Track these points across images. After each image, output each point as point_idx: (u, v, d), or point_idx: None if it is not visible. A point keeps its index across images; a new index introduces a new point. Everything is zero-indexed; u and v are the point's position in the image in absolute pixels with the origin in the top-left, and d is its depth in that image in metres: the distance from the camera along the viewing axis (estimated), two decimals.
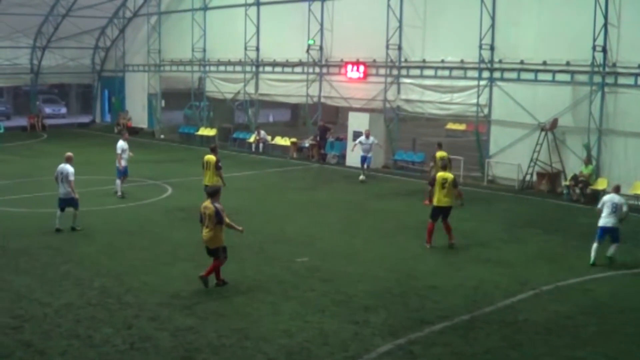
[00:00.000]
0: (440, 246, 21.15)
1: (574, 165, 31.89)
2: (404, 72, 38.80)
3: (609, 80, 30.97)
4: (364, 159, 34.37)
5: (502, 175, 34.39)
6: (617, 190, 20.71)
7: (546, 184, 32.47)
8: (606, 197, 20.45)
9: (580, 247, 21.39)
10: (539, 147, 32.58)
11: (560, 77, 32.60)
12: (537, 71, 33.29)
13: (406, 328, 14.21)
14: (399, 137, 40.26)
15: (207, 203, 16.75)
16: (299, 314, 14.97)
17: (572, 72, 32.15)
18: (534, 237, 23.08)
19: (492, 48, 34.72)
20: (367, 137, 34.59)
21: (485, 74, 35.11)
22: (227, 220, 16.76)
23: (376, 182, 34.00)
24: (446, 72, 36.91)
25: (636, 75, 30.15)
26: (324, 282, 17.23)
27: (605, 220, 19.93)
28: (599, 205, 20.37)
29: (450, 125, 56.82)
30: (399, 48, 38.59)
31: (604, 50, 30.66)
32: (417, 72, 38.26)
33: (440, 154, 28.89)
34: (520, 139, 33.85)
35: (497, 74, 34.83)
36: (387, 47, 38.44)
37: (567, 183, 31.52)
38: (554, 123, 32.25)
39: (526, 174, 33.21)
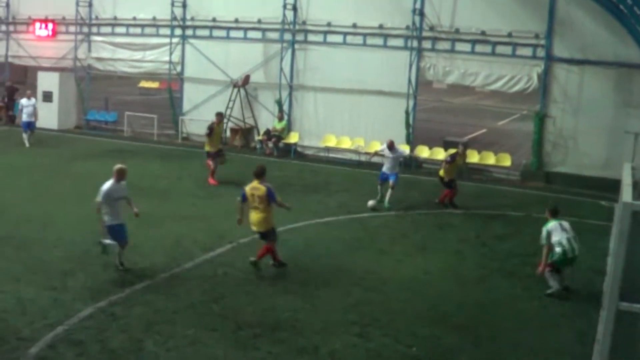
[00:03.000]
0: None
1: (267, 121, 33.06)
2: (94, 29, 37.84)
3: (299, 37, 32.30)
4: (26, 125, 31.79)
5: (196, 132, 34.76)
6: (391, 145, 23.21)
7: (240, 139, 33.32)
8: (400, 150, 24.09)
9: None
10: (232, 104, 33.38)
11: (251, 34, 33.46)
12: (229, 29, 33.93)
13: (106, 290, 14.05)
14: (91, 96, 39.22)
15: (255, 184, 15.65)
16: None
17: (264, 30, 33.17)
18: (229, 192, 23.54)
19: (184, 5, 34.86)
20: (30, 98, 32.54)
21: (178, 32, 35.17)
22: (279, 199, 15.85)
23: (69, 143, 32.93)
24: (138, 30, 36.51)
25: (325, 32, 31.81)
26: (17, 250, 16.45)
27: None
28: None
29: (144, 84, 56.39)
30: (90, 4, 37.54)
31: (295, 8, 31.93)
32: (108, 29, 37.51)
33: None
34: (213, 96, 34.43)
35: (189, 32, 35.05)
36: (78, 4, 37.23)
37: (260, 138, 32.59)
38: (246, 79, 33.14)
39: None
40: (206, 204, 21.97)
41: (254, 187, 15.60)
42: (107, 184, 15.16)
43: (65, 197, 22.23)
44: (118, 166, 15.57)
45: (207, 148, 25.65)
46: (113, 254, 15.44)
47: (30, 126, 31.67)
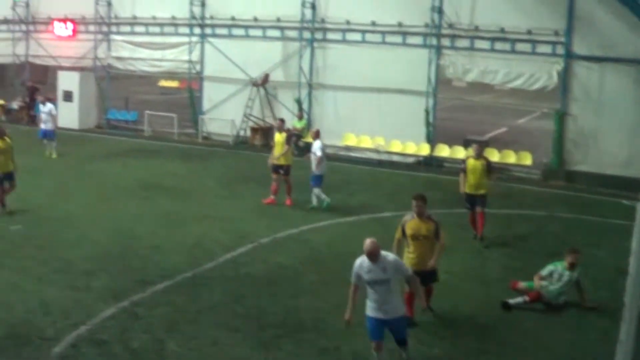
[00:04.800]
0: (156, 207, 21.14)
1: (287, 120, 33.00)
2: (114, 28, 37.98)
3: (318, 35, 32.30)
4: (42, 133, 29.30)
5: (216, 132, 34.91)
6: (317, 135, 22.21)
7: (260, 139, 33.31)
8: (315, 145, 21.64)
9: (295, 199, 22.21)
10: (252, 103, 33.43)
11: (270, 32, 33.48)
12: (248, 27, 33.95)
13: (129, 290, 14.08)
14: (111, 95, 39.40)
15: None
16: (17, 284, 14.28)
17: (282, 28, 33.18)
18: (250, 191, 23.64)
19: (202, 4, 34.89)
20: (44, 103, 29.74)
21: (197, 30, 35.21)
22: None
23: (90, 143, 33.05)
24: (157, 29, 36.57)
25: (343, 31, 31.78)
26: (40, 250, 16.54)
27: (321, 168, 21.42)
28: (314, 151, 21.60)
29: (164, 83, 56.55)
30: (109, 4, 37.72)
31: (313, 6, 32.01)
32: (127, 28, 37.62)
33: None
34: (233, 95, 34.48)
35: (208, 30, 35.08)
36: (97, 3, 37.48)
37: None
38: (266, 78, 33.18)
39: (240, 129, 33.90)
40: (228, 203, 21.99)
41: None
42: (359, 260, 11.27)
43: (87, 197, 22.30)
44: (368, 241, 11.10)
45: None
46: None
47: (46, 135, 28.95)
